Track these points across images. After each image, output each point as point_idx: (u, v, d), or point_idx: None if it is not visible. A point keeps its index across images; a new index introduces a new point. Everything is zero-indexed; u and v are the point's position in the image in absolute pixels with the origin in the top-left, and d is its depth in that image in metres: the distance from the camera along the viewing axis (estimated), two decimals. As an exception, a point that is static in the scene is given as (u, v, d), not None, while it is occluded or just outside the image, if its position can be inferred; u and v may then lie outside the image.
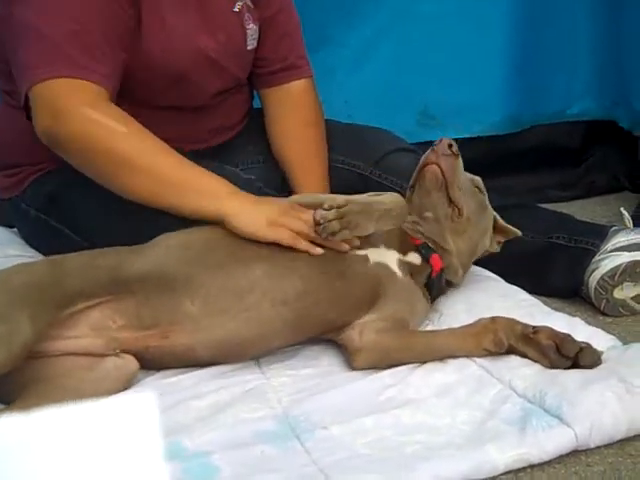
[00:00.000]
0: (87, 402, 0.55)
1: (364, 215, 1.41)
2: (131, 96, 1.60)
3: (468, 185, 1.57)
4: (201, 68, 1.69)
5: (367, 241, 1.47)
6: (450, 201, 1.52)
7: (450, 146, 1.51)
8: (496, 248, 1.68)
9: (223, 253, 1.40)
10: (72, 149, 1.48)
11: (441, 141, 1.51)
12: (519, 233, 1.68)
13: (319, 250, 1.41)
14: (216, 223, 1.44)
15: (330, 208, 1.37)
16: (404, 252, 1.52)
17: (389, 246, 1.50)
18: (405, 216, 1.51)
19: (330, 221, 1.37)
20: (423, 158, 1.54)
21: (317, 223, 1.36)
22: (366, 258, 1.47)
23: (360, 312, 1.44)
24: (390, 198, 1.49)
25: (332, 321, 1.44)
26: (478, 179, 1.61)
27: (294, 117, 1.80)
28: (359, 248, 1.46)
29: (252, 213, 1.42)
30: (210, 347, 1.38)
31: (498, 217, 1.66)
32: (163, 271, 1.37)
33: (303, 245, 1.41)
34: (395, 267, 1.50)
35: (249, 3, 1.78)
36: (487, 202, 1.62)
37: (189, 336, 1.36)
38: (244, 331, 1.38)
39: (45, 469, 0.54)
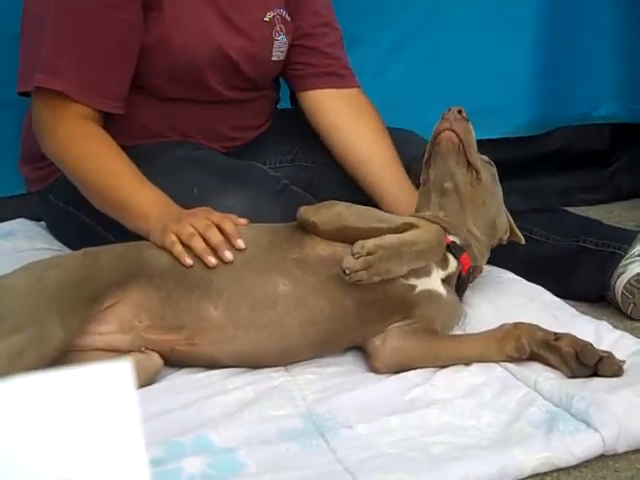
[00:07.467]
0: (63, 371, 0.55)
1: (395, 261, 1.32)
2: (141, 85, 1.63)
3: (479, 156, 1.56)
4: (217, 65, 1.70)
5: (423, 269, 1.42)
6: (468, 165, 1.51)
7: (460, 112, 1.51)
8: (506, 237, 1.64)
9: (239, 259, 1.39)
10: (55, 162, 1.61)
11: (450, 109, 1.51)
12: (523, 241, 1.66)
13: (189, 262, 1.37)
14: None
15: (358, 255, 1.29)
16: (443, 263, 1.48)
17: (437, 264, 1.46)
18: (441, 250, 1.44)
19: (357, 271, 1.29)
20: (436, 127, 1.52)
21: (343, 271, 1.29)
22: (413, 287, 1.43)
23: (389, 326, 1.43)
24: (425, 236, 1.38)
25: (359, 339, 1.44)
26: (485, 156, 1.59)
27: (368, 123, 1.81)
28: (411, 277, 1.41)
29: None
30: (234, 357, 1.39)
31: (509, 216, 1.64)
32: (182, 269, 1.37)
33: (198, 249, 1.38)
34: (440, 289, 1.47)
35: (285, 15, 1.79)
36: (497, 177, 1.60)
37: (214, 346, 1.37)
38: (268, 345, 1.38)
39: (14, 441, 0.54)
